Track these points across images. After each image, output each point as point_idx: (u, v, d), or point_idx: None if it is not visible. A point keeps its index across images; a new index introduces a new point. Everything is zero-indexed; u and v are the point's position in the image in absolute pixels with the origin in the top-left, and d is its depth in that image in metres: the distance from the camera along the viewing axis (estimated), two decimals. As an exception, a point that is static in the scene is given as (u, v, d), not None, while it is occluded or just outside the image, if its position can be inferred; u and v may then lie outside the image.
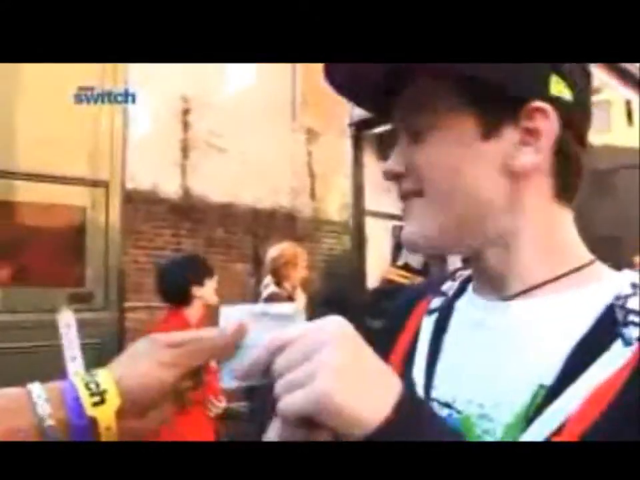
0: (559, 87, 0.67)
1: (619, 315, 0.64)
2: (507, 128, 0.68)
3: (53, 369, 3.82)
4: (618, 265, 0.72)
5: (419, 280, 7.08)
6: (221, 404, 3.47)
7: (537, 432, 0.61)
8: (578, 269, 0.70)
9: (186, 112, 6.78)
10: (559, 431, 0.59)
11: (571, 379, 0.61)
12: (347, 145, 7.18)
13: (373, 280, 7.06)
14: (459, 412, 0.69)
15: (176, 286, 3.37)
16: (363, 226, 7.16)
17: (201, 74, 6.67)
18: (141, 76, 5.82)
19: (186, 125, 6.79)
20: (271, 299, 4.50)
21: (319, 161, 7.68)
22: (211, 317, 3.64)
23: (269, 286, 4.72)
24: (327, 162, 7.61)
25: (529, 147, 0.68)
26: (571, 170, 0.71)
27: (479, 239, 0.71)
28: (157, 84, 6.49)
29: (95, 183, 4.12)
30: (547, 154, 0.68)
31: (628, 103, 5.99)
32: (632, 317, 0.63)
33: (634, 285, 0.66)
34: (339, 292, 7.09)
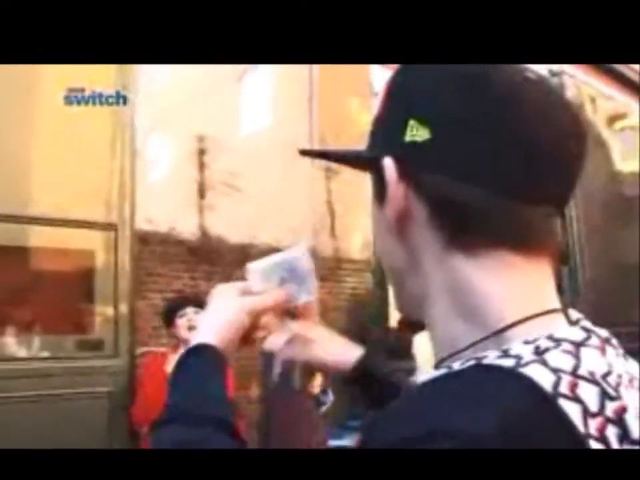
0: (413, 131, 0.61)
1: None
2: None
3: (60, 417, 3.67)
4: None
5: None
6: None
7: None
8: (495, 333, 0.58)
9: (202, 152, 6.71)
10: None
11: None
12: (367, 181, 7.07)
13: (396, 319, 6.89)
14: None
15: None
16: (385, 264, 7.02)
17: (216, 113, 6.62)
18: (155, 115, 5.76)
19: (202, 166, 6.72)
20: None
21: (338, 198, 7.57)
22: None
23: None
24: (347, 200, 7.49)
25: (385, 204, 0.64)
26: (452, 213, 0.60)
27: (409, 304, 0.69)
28: (171, 123, 6.44)
29: (103, 226, 4.01)
30: (399, 206, 0.63)
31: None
32: None
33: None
34: (362, 331, 6.92)
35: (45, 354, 3.81)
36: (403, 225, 0.64)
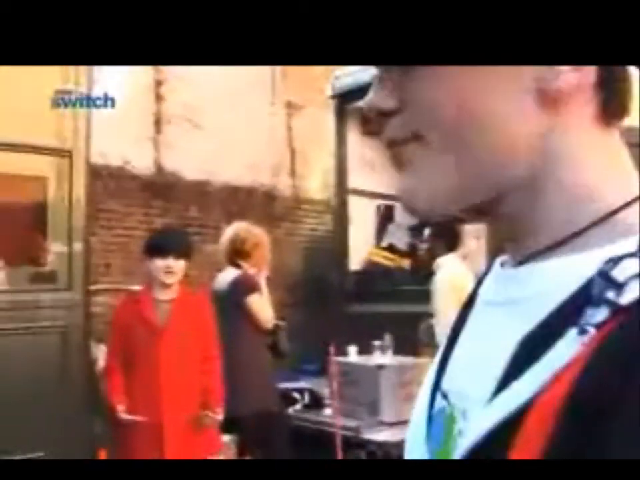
0: None
1: (596, 288, 0.49)
2: None
3: (14, 350, 3.50)
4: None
5: (404, 262, 6.84)
6: (218, 416, 3.48)
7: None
8: (596, 223, 0.55)
9: (159, 83, 6.43)
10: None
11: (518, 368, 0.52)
12: (330, 119, 6.93)
13: (356, 262, 6.82)
14: (450, 405, 0.63)
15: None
16: (346, 205, 6.92)
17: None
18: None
19: (159, 98, 6.45)
20: (246, 280, 4.22)
21: (299, 136, 7.40)
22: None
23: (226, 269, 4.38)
24: (308, 137, 7.34)
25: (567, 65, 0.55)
26: (619, 82, 0.57)
27: (500, 187, 0.58)
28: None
29: (57, 152, 3.78)
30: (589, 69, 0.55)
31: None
32: (607, 293, 0.48)
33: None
34: (320, 274, 6.85)
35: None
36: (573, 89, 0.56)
